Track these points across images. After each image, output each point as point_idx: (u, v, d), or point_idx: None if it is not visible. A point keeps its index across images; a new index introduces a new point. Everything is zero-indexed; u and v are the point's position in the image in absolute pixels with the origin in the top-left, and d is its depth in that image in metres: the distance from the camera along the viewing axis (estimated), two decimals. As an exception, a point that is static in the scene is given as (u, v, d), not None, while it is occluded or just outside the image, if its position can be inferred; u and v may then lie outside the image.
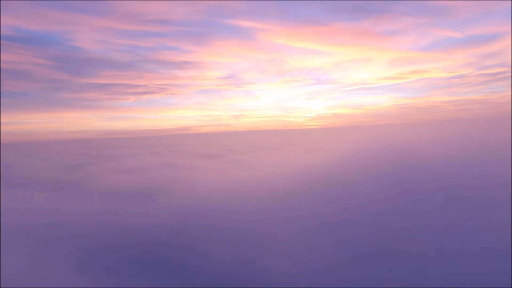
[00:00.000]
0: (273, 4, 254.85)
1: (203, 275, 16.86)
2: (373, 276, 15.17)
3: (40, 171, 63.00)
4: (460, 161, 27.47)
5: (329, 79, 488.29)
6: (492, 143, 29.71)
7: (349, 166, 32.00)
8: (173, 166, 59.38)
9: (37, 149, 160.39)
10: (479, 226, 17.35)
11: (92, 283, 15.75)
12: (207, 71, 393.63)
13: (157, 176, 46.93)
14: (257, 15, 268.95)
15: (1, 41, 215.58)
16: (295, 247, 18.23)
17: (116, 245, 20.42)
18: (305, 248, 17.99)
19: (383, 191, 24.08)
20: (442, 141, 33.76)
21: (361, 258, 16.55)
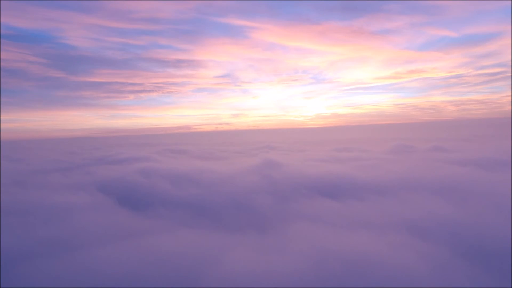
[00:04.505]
0: (263, 3, 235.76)
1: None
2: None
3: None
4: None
5: (326, 79, 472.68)
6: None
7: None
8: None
9: (20, 149, 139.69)
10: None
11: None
12: (202, 70, 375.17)
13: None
14: (247, 13, 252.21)
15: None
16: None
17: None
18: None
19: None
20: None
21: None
